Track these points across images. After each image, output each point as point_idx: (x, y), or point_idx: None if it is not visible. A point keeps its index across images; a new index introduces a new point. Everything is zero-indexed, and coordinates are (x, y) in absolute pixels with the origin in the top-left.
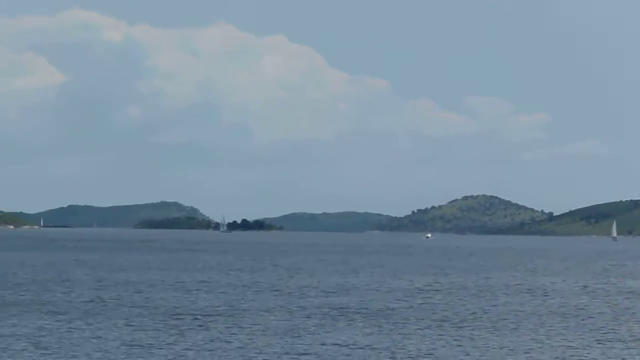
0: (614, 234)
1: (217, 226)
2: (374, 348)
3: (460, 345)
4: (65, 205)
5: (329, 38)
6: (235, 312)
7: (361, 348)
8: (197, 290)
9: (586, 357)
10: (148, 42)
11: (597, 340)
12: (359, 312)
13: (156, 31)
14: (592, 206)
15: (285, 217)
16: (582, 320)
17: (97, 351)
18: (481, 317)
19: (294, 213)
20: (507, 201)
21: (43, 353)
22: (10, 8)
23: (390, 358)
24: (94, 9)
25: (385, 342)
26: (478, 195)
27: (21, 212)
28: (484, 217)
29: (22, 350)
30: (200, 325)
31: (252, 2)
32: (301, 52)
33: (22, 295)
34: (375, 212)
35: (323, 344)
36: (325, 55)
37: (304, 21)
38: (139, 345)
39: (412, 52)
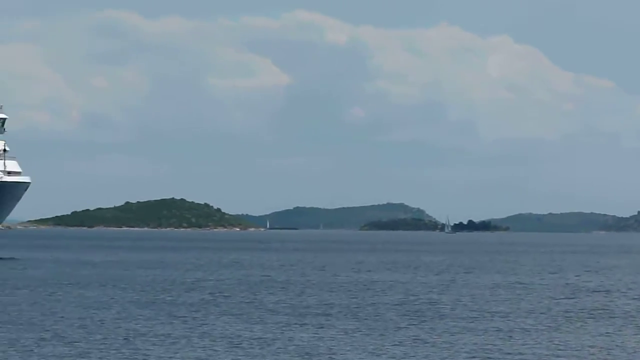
0: None
1: (442, 227)
2: (606, 351)
3: None
4: (291, 207)
5: (553, 38)
6: (467, 313)
7: (585, 351)
8: (425, 292)
9: None
10: (372, 43)
11: None
12: (591, 314)
13: (380, 32)
14: None
15: (510, 218)
16: None
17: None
18: None
19: (520, 214)
20: None
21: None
22: (234, 10)
23: None
24: (318, 10)
25: (612, 344)
26: None
27: (247, 215)
28: None
29: (231, 352)
30: (425, 328)
31: (476, 3)
32: (526, 52)
33: (259, 297)
34: (601, 213)
35: (539, 345)
36: (550, 56)
37: (528, 21)
38: (367, 350)
39: (638, 51)
